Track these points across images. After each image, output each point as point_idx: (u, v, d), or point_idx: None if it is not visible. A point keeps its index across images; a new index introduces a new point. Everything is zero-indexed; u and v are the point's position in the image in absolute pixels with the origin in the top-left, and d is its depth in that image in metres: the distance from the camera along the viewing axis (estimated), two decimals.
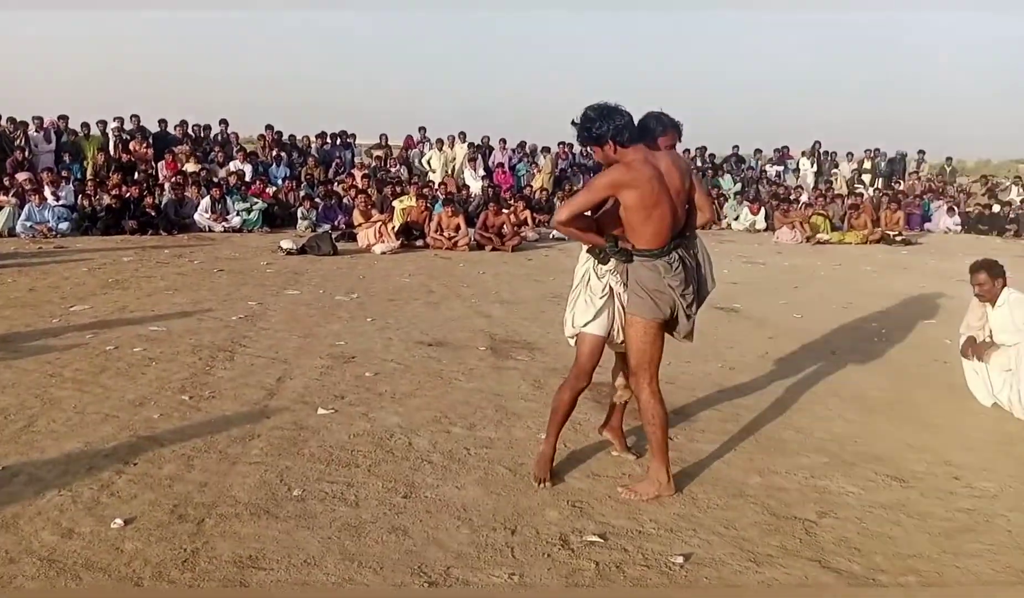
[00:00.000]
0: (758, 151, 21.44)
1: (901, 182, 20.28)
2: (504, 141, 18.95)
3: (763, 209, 17.19)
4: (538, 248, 13.07)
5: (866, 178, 20.47)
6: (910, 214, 17.71)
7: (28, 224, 12.18)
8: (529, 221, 14.50)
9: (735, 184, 19.41)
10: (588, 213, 3.45)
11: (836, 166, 20.90)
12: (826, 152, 21.04)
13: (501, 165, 18.33)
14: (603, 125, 3.27)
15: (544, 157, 18.45)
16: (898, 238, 15.56)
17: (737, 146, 21.08)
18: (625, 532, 3.24)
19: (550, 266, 10.96)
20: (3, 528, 3.09)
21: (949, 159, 23.07)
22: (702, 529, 3.28)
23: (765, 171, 20.63)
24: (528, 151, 19.05)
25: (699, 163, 20.30)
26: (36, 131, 15.01)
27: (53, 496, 3.37)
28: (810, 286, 9.86)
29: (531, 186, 17.53)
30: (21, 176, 13.38)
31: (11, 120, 14.90)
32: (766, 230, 16.61)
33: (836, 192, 18.70)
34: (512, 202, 15.00)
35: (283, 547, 3.02)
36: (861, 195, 18.21)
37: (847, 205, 16.87)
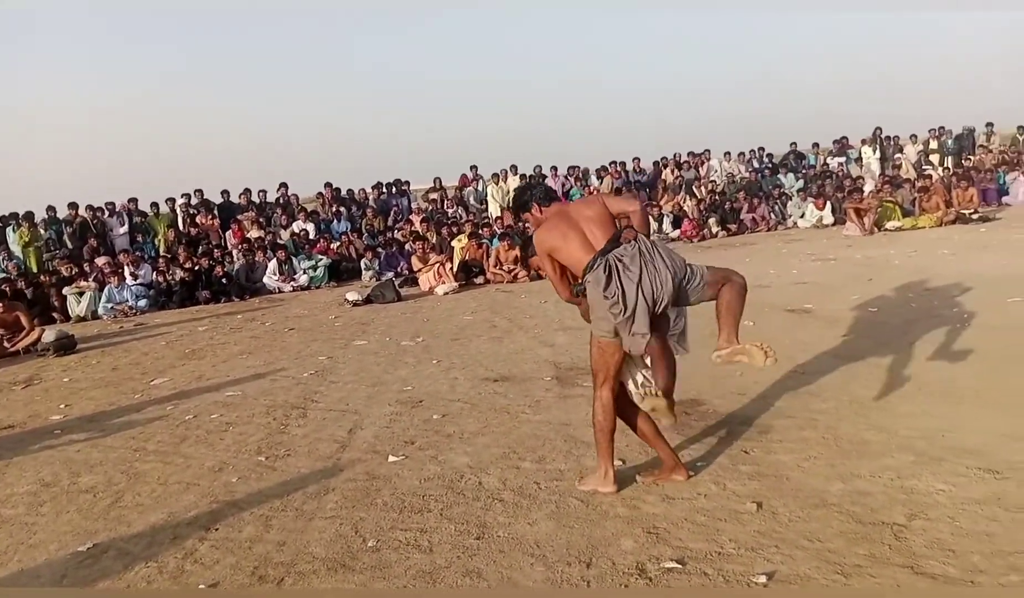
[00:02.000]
0: (815, 145, 20.96)
1: (971, 158, 19.49)
2: (555, 168, 18.99)
3: (828, 203, 16.73)
4: None
5: (934, 158, 19.76)
6: (985, 190, 17.01)
7: (109, 306, 12.77)
8: None
9: (797, 181, 19.03)
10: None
11: (901, 150, 20.25)
12: (888, 137, 20.41)
13: (555, 191, 18.35)
14: (526, 195, 4.12)
15: (600, 179, 18.51)
16: (974, 216, 14.92)
17: (795, 143, 20.72)
18: (704, 555, 3.14)
19: None
20: None
21: (1021, 128, 22.05)
22: (784, 544, 3.17)
23: (827, 165, 20.13)
24: (580, 174, 19.04)
25: (755, 165, 19.99)
26: (110, 215, 15.81)
27: (140, 568, 3.47)
28: (884, 277, 9.50)
29: None
30: (101, 260, 14.04)
31: (88, 207, 15.69)
32: (834, 224, 16.15)
33: (904, 177, 18.09)
34: None
35: None
36: (930, 177, 17.56)
37: (916, 188, 16.30)
